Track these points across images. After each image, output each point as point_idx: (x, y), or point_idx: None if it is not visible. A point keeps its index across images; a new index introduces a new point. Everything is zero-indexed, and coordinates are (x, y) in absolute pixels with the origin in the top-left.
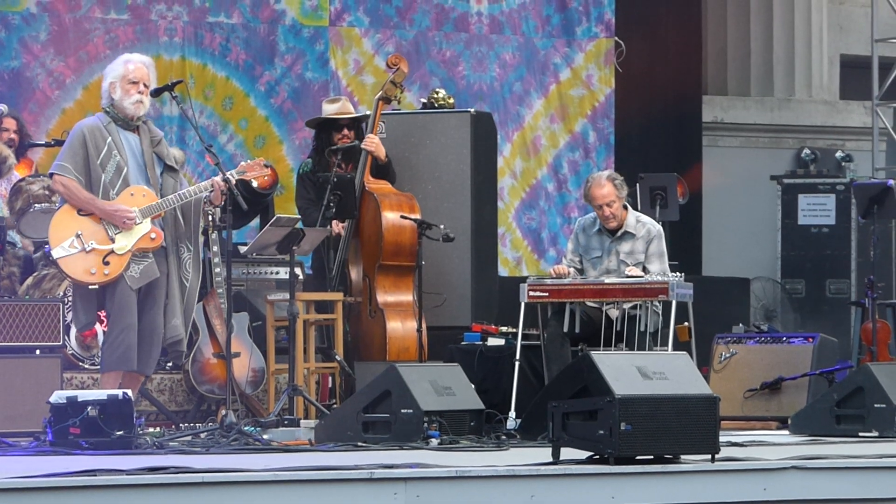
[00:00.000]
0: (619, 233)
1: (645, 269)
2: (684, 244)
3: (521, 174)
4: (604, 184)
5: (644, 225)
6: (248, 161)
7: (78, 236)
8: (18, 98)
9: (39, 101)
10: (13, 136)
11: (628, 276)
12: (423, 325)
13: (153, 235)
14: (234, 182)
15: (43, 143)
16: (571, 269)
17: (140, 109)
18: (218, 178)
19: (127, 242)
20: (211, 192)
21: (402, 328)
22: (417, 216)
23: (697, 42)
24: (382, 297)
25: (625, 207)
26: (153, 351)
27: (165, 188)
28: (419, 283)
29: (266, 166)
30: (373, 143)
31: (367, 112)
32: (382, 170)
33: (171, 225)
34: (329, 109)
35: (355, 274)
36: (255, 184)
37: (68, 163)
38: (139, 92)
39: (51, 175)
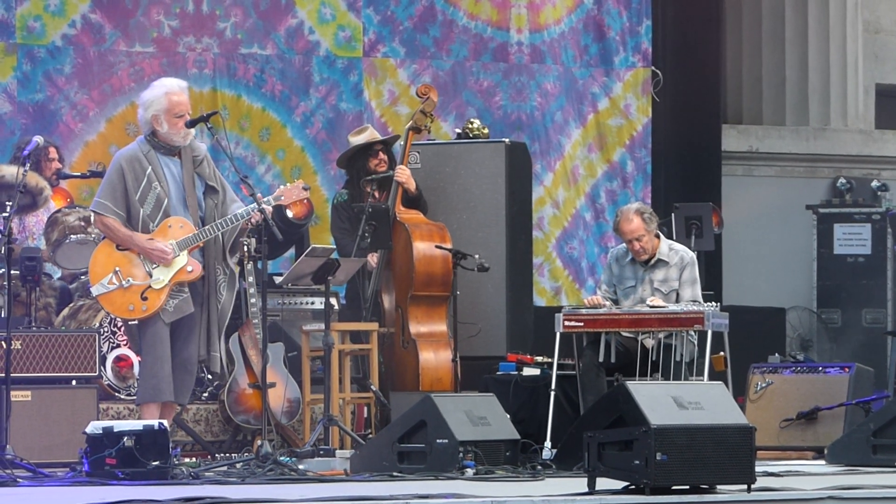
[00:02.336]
0: (653, 261)
1: (678, 297)
2: (718, 274)
3: (563, 204)
4: (632, 218)
5: (677, 252)
6: (286, 185)
7: (116, 273)
8: (42, 131)
9: (63, 133)
10: (59, 164)
11: (651, 307)
12: (457, 356)
13: (190, 268)
14: (269, 212)
15: (79, 174)
16: (607, 301)
17: (188, 139)
18: (253, 207)
19: (164, 277)
20: (247, 218)
21: (434, 359)
22: (449, 246)
23: (718, 72)
24: (415, 328)
25: (657, 236)
26: (188, 381)
27: (207, 211)
28: (454, 313)
29: (305, 189)
30: (404, 174)
31: (396, 135)
32: (413, 201)
33: (210, 251)
34: (359, 139)
35: (388, 304)
36: (290, 214)
37: (108, 200)
38: (186, 124)
39: (93, 212)
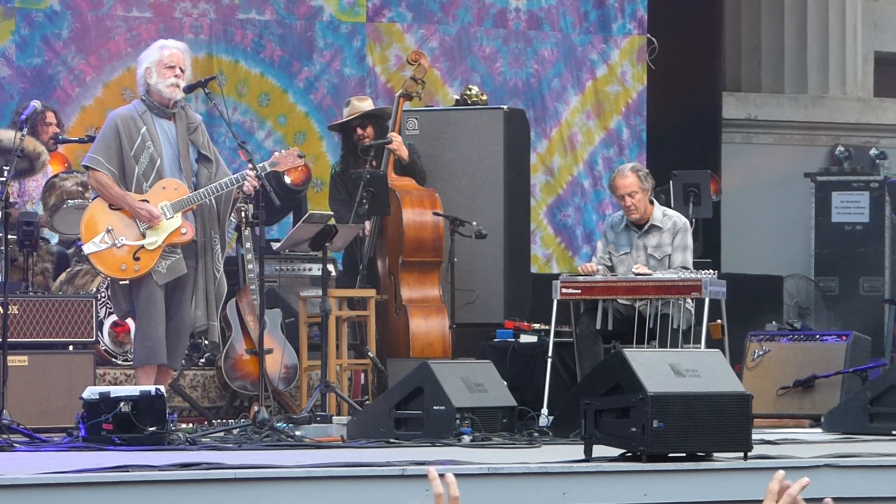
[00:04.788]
0: (646, 227)
1: (670, 262)
2: (717, 241)
3: (559, 171)
4: (627, 174)
5: (670, 218)
6: (282, 151)
7: (109, 231)
8: (40, 95)
9: (60, 98)
10: (56, 129)
11: (636, 274)
12: (449, 322)
13: (184, 230)
14: (264, 175)
15: (76, 139)
16: (600, 267)
17: (176, 93)
18: (250, 172)
19: (157, 238)
20: (243, 182)
21: (425, 325)
22: (440, 211)
23: (718, 40)
24: (407, 294)
25: (651, 202)
26: (181, 344)
27: (200, 178)
28: (451, 280)
29: (300, 156)
30: (395, 142)
31: (384, 107)
32: (407, 169)
33: (204, 216)
34: (343, 113)
35: (382, 271)
36: (287, 180)
37: (101, 155)
38: (175, 76)
39: (84, 167)
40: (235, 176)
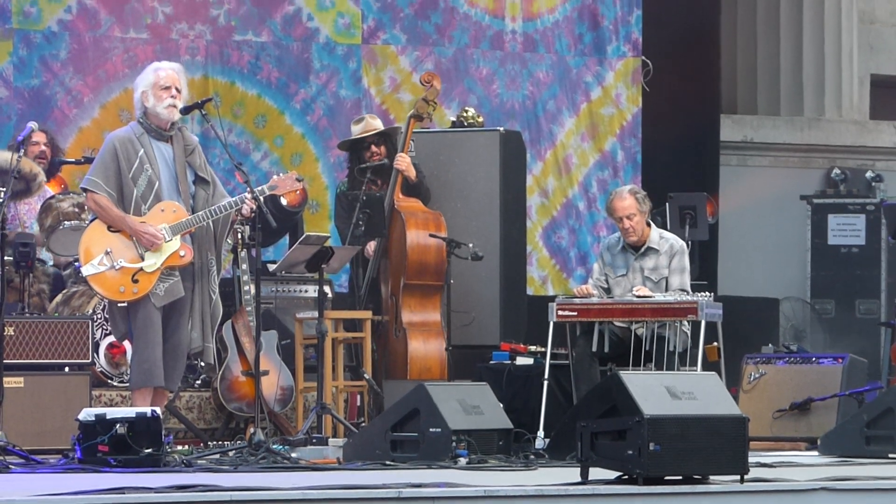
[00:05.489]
0: (643, 249)
1: (667, 284)
2: (713, 264)
3: (553, 193)
4: (625, 196)
5: (667, 240)
6: (281, 175)
7: (108, 253)
8: (37, 116)
9: (58, 119)
10: (44, 147)
11: (637, 297)
12: (445, 344)
13: (182, 253)
14: (262, 200)
15: (73, 160)
16: (595, 290)
17: (173, 114)
18: (248, 195)
19: (156, 260)
20: (239, 206)
21: (423, 348)
22: (444, 234)
23: (716, 62)
24: (408, 317)
25: (648, 224)
26: (178, 366)
27: (197, 200)
28: (447, 302)
29: (298, 180)
30: (403, 162)
31: (396, 126)
32: (414, 189)
33: (201, 238)
34: (355, 130)
35: (384, 292)
36: (284, 201)
37: (99, 178)
38: (171, 97)
39: (82, 189)
40: (234, 199)
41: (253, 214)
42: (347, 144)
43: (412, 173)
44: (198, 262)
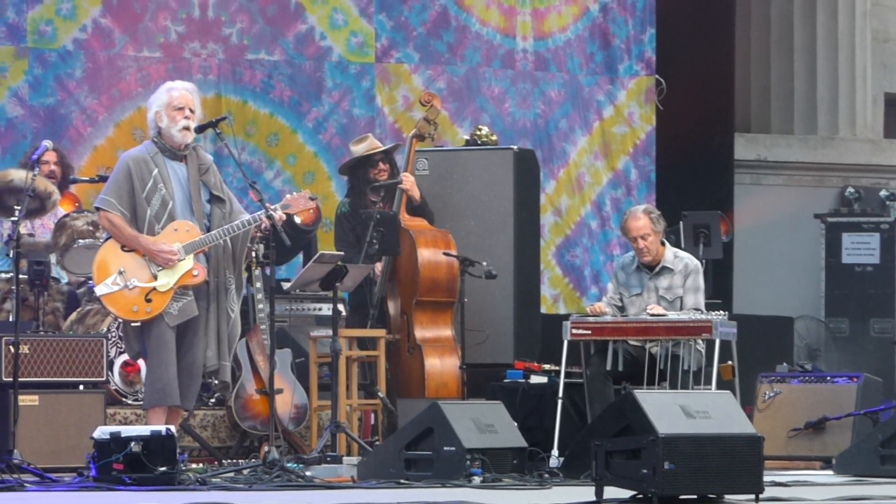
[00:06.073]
0: (658, 268)
1: (682, 304)
2: (728, 282)
3: (566, 211)
4: (639, 216)
5: (682, 259)
6: (294, 194)
7: (121, 273)
8: (52, 135)
9: (73, 137)
10: (53, 167)
11: (651, 315)
12: (460, 362)
13: (196, 272)
14: (280, 219)
15: (87, 178)
16: (609, 308)
17: (187, 136)
18: (262, 214)
19: (169, 280)
20: (255, 224)
21: (440, 364)
22: (455, 252)
23: (730, 81)
24: (421, 334)
25: (662, 243)
26: (193, 385)
27: (213, 219)
28: (461, 320)
29: (311, 199)
30: (408, 182)
31: (399, 144)
32: (418, 210)
33: (218, 256)
34: (359, 149)
35: (394, 311)
36: (297, 220)
37: (113, 197)
38: (185, 118)
39: (96, 208)
40: (248, 218)
41: (267, 233)
42: (351, 164)
43: (416, 193)
44: (213, 281)
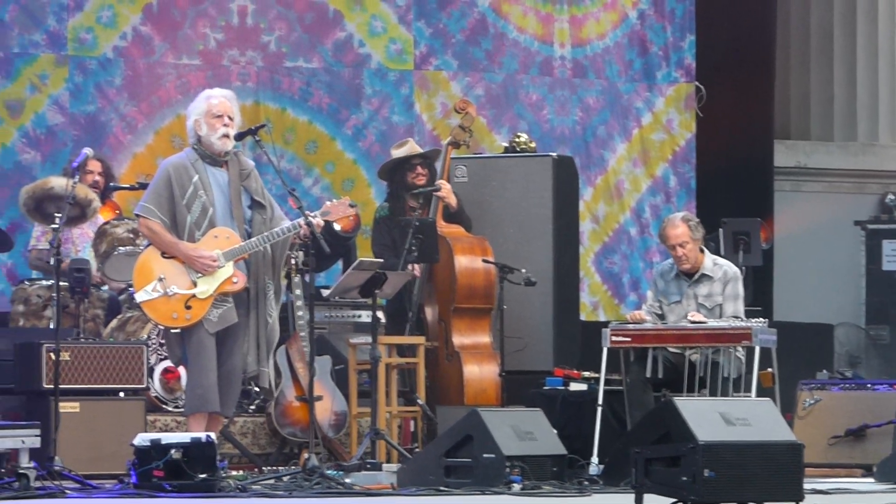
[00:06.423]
0: (697, 276)
1: (721, 311)
2: (768, 289)
3: (604, 218)
4: (678, 224)
5: (721, 267)
6: (333, 201)
7: (161, 280)
8: (93, 142)
9: (112, 145)
10: (98, 178)
11: (691, 322)
12: (499, 369)
13: (235, 279)
14: (319, 226)
15: (127, 186)
16: (648, 315)
17: (227, 144)
18: (301, 221)
19: (209, 287)
20: (295, 231)
21: (479, 371)
22: (492, 259)
23: (770, 88)
24: (459, 340)
25: (701, 251)
26: (233, 391)
27: (254, 224)
28: (500, 328)
29: (351, 206)
30: (445, 190)
31: (438, 149)
32: (455, 217)
33: (258, 262)
34: (399, 152)
35: (431, 318)
36: (337, 227)
37: (153, 204)
38: (224, 125)
39: (136, 215)
40: (288, 225)
41: (307, 239)
42: (390, 166)
43: (453, 201)
44: (253, 288)
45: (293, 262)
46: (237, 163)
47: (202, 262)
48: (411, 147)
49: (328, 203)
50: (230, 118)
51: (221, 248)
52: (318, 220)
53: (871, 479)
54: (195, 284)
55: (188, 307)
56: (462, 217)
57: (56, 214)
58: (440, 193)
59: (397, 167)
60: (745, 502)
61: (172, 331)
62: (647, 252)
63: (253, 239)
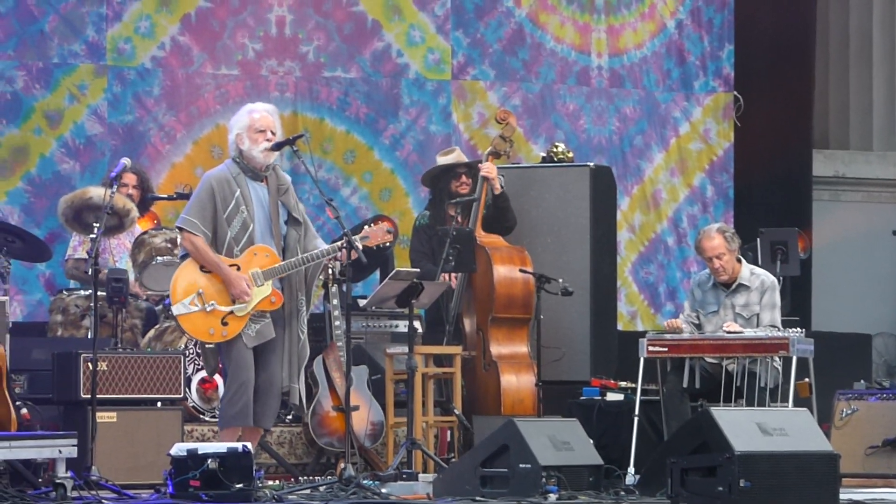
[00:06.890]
0: (734, 286)
1: (759, 321)
2: (806, 299)
3: (640, 228)
4: (713, 236)
5: (758, 277)
6: (373, 226)
7: (199, 294)
8: (131, 152)
9: (151, 155)
10: (133, 190)
11: (727, 332)
12: (536, 379)
13: (273, 299)
14: (356, 246)
15: (165, 196)
16: (686, 325)
17: (270, 157)
18: (342, 244)
19: (247, 305)
20: (333, 255)
21: (516, 381)
22: (531, 269)
23: (808, 97)
24: (496, 350)
25: (738, 261)
26: (271, 404)
27: (289, 241)
28: (538, 337)
29: (389, 232)
30: (491, 171)
31: (481, 160)
32: (500, 209)
33: (293, 280)
34: (445, 159)
35: (469, 327)
36: None
37: (196, 217)
38: (267, 139)
39: (178, 229)
40: (327, 248)
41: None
42: (435, 173)
43: (496, 184)
44: (288, 305)
45: (330, 271)
46: (276, 177)
47: (238, 291)
48: (458, 155)
49: (367, 227)
50: (273, 132)
51: (261, 266)
52: (357, 244)
53: None
54: (234, 301)
55: (225, 323)
56: (507, 208)
57: (94, 224)
58: (488, 174)
59: (442, 175)
60: None
61: (207, 346)
62: (684, 262)
63: (293, 259)
